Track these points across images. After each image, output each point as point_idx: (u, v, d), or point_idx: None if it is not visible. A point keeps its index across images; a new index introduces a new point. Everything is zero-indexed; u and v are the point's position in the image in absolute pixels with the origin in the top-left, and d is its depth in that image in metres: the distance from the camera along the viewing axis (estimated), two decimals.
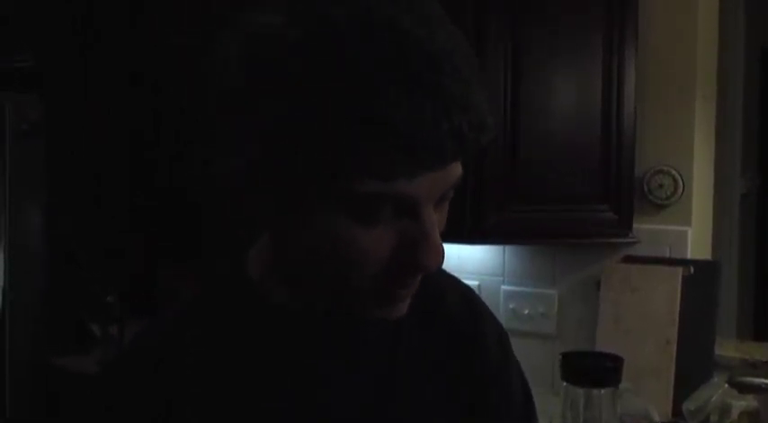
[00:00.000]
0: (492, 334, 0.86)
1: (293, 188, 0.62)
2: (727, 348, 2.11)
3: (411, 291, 0.69)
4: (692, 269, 1.99)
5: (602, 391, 0.72)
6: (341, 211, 0.61)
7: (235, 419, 0.71)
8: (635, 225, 2.07)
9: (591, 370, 0.72)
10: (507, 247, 2.30)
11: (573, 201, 2.02)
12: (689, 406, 1.76)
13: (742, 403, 1.75)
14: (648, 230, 2.09)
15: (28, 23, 2.70)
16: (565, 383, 0.73)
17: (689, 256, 2.07)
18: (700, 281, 1.99)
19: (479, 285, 2.30)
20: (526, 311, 2.25)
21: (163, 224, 2.75)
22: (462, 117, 0.58)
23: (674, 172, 2.05)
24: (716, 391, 1.75)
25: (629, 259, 2.10)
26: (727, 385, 1.72)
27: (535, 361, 2.19)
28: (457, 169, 0.63)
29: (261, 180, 0.63)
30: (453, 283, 0.88)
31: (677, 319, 1.95)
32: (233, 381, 0.71)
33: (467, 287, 0.89)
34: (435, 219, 0.64)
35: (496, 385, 0.84)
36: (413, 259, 0.63)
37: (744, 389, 1.70)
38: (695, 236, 2.09)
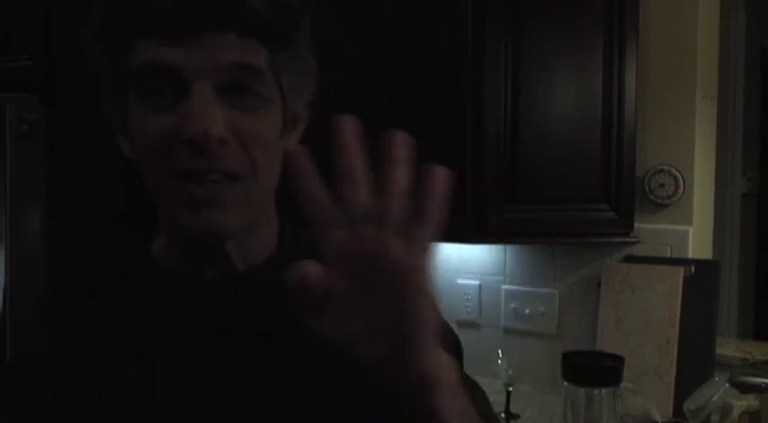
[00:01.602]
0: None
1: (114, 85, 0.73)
2: (728, 348, 2.11)
3: (214, 193, 0.68)
4: (692, 269, 1.99)
5: (603, 390, 0.72)
6: (134, 97, 0.69)
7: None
8: (636, 224, 2.07)
9: (591, 370, 0.72)
10: (508, 247, 2.29)
11: (574, 200, 2.02)
12: (690, 405, 1.76)
13: (743, 403, 1.75)
14: (649, 230, 2.09)
15: (27, 23, 2.70)
16: (566, 383, 0.73)
17: (690, 255, 2.07)
18: (700, 280, 1.99)
19: (480, 285, 2.29)
20: (527, 311, 2.25)
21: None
22: None
23: (674, 171, 2.05)
24: (717, 391, 1.75)
25: (630, 259, 2.10)
26: (727, 385, 1.72)
27: (536, 360, 2.20)
28: (236, 50, 0.66)
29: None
30: None
31: (678, 318, 1.95)
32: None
33: None
34: (212, 100, 0.65)
35: None
36: (182, 131, 0.65)
37: (745, 388, 1.70)
38: (696, 235, 2.09)
